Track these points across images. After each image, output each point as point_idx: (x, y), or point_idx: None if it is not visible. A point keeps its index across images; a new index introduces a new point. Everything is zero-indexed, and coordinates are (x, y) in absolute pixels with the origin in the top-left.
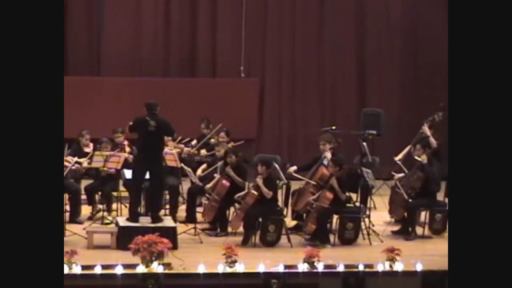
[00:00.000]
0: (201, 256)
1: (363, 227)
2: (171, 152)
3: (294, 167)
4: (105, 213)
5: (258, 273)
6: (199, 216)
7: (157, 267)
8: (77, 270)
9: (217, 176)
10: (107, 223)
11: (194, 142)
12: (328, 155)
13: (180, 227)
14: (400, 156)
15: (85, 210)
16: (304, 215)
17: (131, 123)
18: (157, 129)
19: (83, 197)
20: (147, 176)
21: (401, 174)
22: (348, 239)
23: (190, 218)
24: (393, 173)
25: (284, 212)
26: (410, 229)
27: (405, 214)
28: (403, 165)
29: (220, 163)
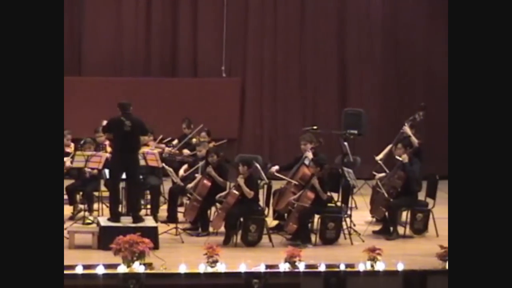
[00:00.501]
0: (183, 256)
1: (345, 226)
2: (152, 152)
3: (276, 167)
4: (87, 213)
5: (240, 273)
6: (180, 216)
7: (138, 267)
8: None
9: (198, 176)
10: (89, 223)
11: (175, 142)
12: (310, 155)
13: (162, 227)
14: (381, 155)
15: (67, 210)
16: (286, 215)
17: (104, 122)
18: (133, 129)
19: (65, 197)
20: (124, 176)
21: (382, 174)
22: (329, 239)
23: (172, 218)
24: (374, 172)
25: (266, 212)
26: (391, 228)
27: (386, 213)
28: (384, 165)
29: (201, 163)
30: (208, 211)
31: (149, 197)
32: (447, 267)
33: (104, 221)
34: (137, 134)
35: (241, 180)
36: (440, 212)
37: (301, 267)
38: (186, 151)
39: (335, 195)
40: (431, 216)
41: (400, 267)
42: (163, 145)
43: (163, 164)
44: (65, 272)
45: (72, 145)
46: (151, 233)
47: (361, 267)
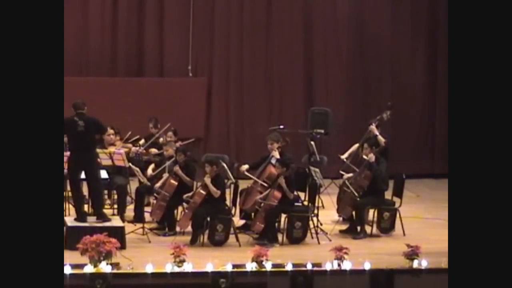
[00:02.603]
0: (149, 255)
1: (311, 226)
2: (119, 151)
3: (246, 166)
4: None
5: (207, 272)
6: (147, 216)
7: (105, 267)
8: None
9: (165, 175)
10: None
11: (142, 141)
12: (276, 154)
13: (128, 227)
14: (346, 154)
15: None
16: (252, 214)
17: None
18: (86, 129)
19: None
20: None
21: (350, 174)
22: (296, 238)
23: (138, 217)
24: (342, 172)
25: (232, 211)
26: (359, 228)
27: (353, 212)
28: (351, 164)
29: (169, 162)
30: (175, 211)
31: (115, 196)
32: (414, 266)
33: (70, 221)
34: (92, 133)
35: (207, 180)
36: (406, 211)
37: (268, 266)
38: (153, 150)
39: (302, 194)
40: (398, 215)
41: (367, 266)
42: (130, 145)
43: (130, 164)
44: None
45: None
46: (118, 233)
47: (328, 266)
